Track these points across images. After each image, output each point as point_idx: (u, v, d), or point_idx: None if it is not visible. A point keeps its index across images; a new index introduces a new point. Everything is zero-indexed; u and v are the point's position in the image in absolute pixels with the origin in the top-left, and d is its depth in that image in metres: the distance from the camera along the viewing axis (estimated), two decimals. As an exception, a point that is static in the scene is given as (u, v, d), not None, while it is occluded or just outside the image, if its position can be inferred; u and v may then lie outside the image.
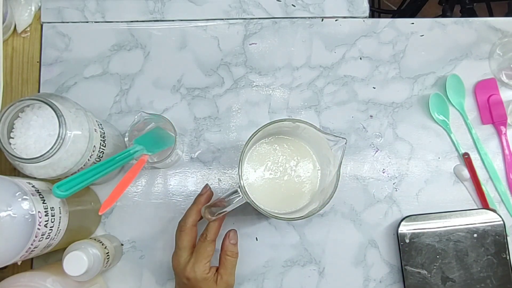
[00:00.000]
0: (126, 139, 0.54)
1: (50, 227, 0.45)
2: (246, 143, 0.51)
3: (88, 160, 0.48)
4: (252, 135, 0.51)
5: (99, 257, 0.50)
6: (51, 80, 0.63)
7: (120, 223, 0.60)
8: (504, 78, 0.65)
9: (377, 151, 0.64)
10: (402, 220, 0.59)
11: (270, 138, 0.58)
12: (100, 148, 0.50)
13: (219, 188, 0.62)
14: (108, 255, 0.53)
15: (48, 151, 0.43)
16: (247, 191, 0.48)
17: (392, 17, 1.30)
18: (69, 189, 0.44)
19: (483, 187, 0.62)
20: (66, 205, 0.49)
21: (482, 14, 1.23)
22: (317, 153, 0.57)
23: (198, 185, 0.62)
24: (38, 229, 0.43)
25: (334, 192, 0.51)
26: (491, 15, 1.22)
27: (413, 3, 1.21)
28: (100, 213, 0.46)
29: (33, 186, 0.45)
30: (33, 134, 0.46)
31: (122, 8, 0.66)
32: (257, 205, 0.49)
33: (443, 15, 1.13)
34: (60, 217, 0.47)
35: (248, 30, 0.65)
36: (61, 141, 0.43)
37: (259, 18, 0.66)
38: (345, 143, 0.49)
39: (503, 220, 0.59)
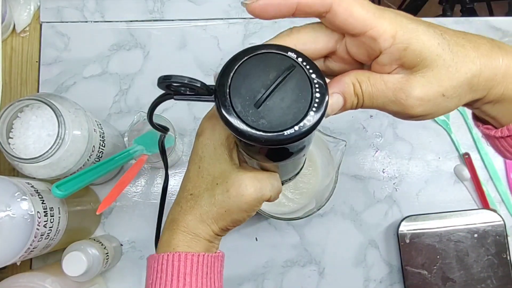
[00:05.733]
0: (125, 139, 0.54)
1: (49, 227, 0.45)
2: None
3: (88, 160, 0.48)
4: None
5: (99, 257, 0.50)
6: (50, 80, 0.63)
7: (119, 223, 0.60)
8: (504, 78, 0.65)
9: (377, 151, 0.63)
10: (402, 220, 0.59)
11: None
12: (99, 148, 0.50)
13: (219, 188, 0.62)
14: (107, 256, 0.53)
15: (47, 151, 0.42)
16: None
17: (392, 16, 1.30)
18: (69, 188, 0.43)
19: (483, 187, 0.62)
20: (66, 205, 0.49)
21: (483, 14, 1.23)
22: (318, 154, 0.57)
23: (197, 185, 0.62)
24: (37, 229, 0.42)
25: (332, 194, 0.51)
26: (491, 14, 1.21)
27: (413, 3, 1.21)
28: (97, 213, 0.46)
29: (32, 186, 0.45)
30: (32, 134, 0.45)
31: (122, 7, 0.66)
32: None
33: (443, 14, 1.13)
34: (59, 217, 0.47)
35: (248, 29, 0.65)
36: (60, 141, 0.43)
37: (259, 18, 0.65)
38: (345, 146, 0.49)
39: (503, 220, 0.59)
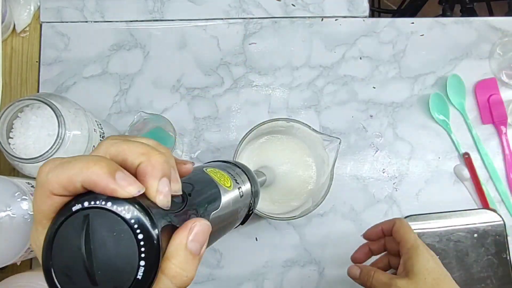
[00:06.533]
0: (125, 139, 0.54)
1: (49, 227, 0.45)
2: (239, 143, 0.51)
3: (88, 160, 0.48)
4: (246, 134, 0.51)
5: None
6: (50, 80, 0.63)
7: (119, 223, 0.60)
8: (504, 78, 0.65)
9: (377, 151, 0.64)
10: (402, 220, 0.59)
11: (265, 137, 0.57)
12: (99, 148, 0.50)
13: (219, 188, 0.62)
14: (107, 255, 0.53)
15: (47, 151, 0.43)
16: None
17: (392, 16, 1.30)
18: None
19: (483, 187, 0.62)
20: (66, 205, 0.49)
21: (482, 14, 1.23)
22: (313, 153, 0.57)
23: (197, 185, 0.61)
24: (37, 229, 0.42)
25: (328, 192, 0.51)
26: (491, 14, 1.21)
27: (413, 3, 1.21)
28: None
29: (32, 186, 0.45)
30: (32, 134, 0.45)
31: (122, 7, 0.66)
32: None
33: (443, 14, 1.13)
34: (59, 217, 0.47)
35: (248, 29, 0.65)
36: (60, 141, 0.43)
37: (259, 18, 0.66)
38: (339, 143, 0.49)
39: (503, 220, 0.59)
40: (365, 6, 0.67)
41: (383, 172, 0.63)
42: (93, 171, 0.19)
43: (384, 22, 0.67)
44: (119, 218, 0.19)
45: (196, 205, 0.24)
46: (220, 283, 0.59)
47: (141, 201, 0.20)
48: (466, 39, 0.67)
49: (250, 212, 0.34)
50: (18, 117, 0.46)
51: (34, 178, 0.47)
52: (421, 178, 0.63)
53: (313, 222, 0.61)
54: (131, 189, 0.20)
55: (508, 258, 0.58)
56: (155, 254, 0.20)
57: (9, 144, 0.45)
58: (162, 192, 0.21)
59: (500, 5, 1.23)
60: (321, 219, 0.61)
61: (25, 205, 0.42)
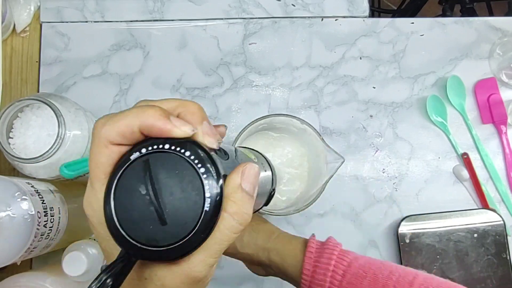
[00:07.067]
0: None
1: (50, 227, 0.45)
2: (240, 133, 0.50)
3: (88, 160, 0.48)
4: (245, 127, 0.50)
5: (99, 257, 0.50)
6: (51, 80, 0.63)
7: (119, 223, 0.60)
8: (504, 78, 0.65)
9: (377, 151, 0.64)
10: (402, 220, 0.59)
11: (268, 132, 0.57)
12: (99, 148, 0.50)
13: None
14: (107, 255, 0.52)
15: (47, 151, 0.43)
16: None
17: (392, 16, 1.30)
18: (76, 170, 0.44)
19: (483, 187, 0.62)
20: (66, 205, 0.49)
21: (482, 14, 1.23)
22: (313, 165, 0.56)
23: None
24: (37, 229, 0.42)
25: (314, 202, 0.50)
26: (491, 14, 1.22)
27: (413, 3, 1.21)
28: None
29: (32, 186, 0.45)
30: (32, 134, 0.46)
31: (122, 7, 0.66)
32: None
33: (443, 14, 1.13)
34: (59, 217, 0.47)
35: (248, 29, 0.65)
36: (60, 141, 0.43)
37: (259, 18, 0.66)
38: (342, 163, 0.48)
39: (503, 220, 0.59)
40: (365, 6, 0.67)
41: (383, 172, 0.63)
42: (149, 114, 0.21)
43: (384, 22, 0.67)
44: (179, 156, 0.20)
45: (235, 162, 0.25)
46: (220, 283, 0.59)
47: (195, 140, 0.21)
48: (466, 39, 0.67)
49: (272, 192, 0.36)
50: (18, 117, 0.46)
51: (34, 178, 0.47)
52: (421, 178, 0.63)
53: (313, 222, 0.61)
54: (186, 128, 0.21)
55: (508, 258, 0.58)
56: (218, 185, 0.20)
57: (9, 144, 0.45)
58: (208, 133, 0.22)
59: (500, 5, 1.23)
60: (321, 219, 0.61)
61: (25, 205, 0.42)
